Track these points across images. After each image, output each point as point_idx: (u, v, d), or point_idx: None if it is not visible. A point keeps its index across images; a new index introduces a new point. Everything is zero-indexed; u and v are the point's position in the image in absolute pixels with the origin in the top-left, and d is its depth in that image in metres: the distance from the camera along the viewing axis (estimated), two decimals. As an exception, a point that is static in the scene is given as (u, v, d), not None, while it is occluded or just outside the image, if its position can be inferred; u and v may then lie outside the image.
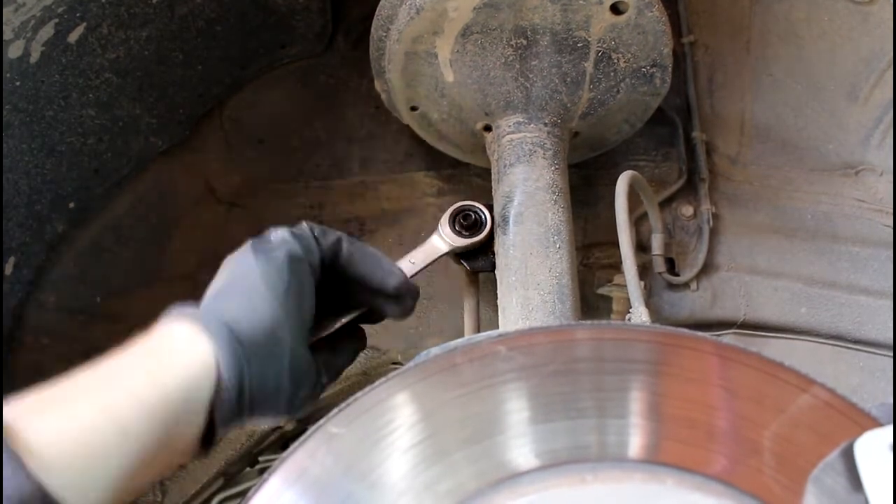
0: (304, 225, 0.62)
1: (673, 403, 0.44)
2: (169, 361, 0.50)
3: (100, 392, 0.47)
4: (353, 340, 0.65)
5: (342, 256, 0.62)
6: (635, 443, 0.43)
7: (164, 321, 0.54)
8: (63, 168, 0.87)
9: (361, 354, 1.06)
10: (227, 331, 0.53)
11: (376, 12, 0.89)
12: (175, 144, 1.00)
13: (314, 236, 0.61)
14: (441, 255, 0.83)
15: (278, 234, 0.61)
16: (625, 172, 0.84)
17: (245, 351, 0.53)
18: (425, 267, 0.80)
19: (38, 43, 0.77)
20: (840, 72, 1.03)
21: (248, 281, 0.57)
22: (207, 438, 0.50)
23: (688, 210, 1.08)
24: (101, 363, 0.49)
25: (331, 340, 0.63)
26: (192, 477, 1.06)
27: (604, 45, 0.86)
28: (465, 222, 0.84)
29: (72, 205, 0.91)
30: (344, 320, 0.63)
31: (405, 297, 0.63)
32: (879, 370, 1.02)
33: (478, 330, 0.92)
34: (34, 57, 0.78)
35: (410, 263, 0.78)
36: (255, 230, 1.14)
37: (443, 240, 0.83)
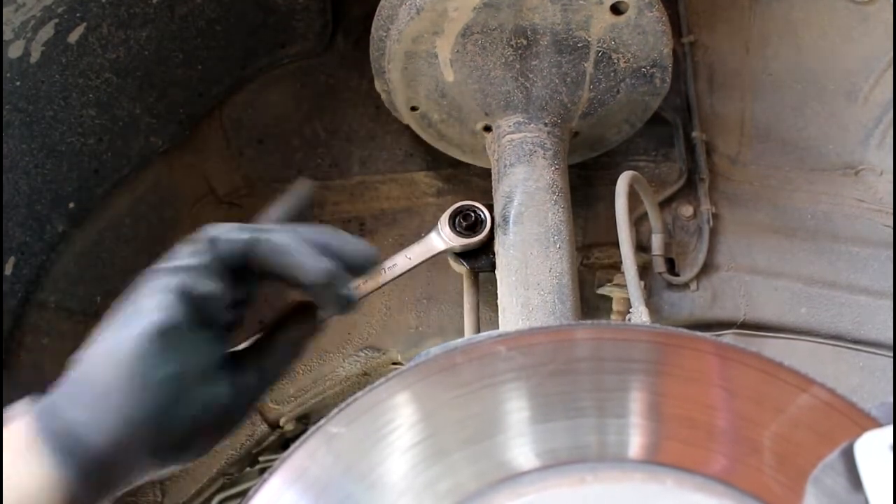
0: (203, 236, 0.54)
1: (673, 403, 0.44)
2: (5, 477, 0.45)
3: None
4: (291, 336, 0.57)
5: (254, 258, 0.53)
6: (635, 443, 0.43)
7: (8, 415, 0.48)
8: (63, 168, 0.87)
9: (362, 354, 1.07)
10: (72, 442, 0.47)
11: (376, 12, 0.89)
12: (175, 144, 1.00)
13: (210, 248, 0.53)
14: (438, 253, 0.83)
15: (151, 286, 0.53)
16: (625, 172, 0.84)
17: (97, 466, 0.47)
18: (421, 263, 0.80)
19: (38, 43, 0.77)
20: (840, 72, 1.03)
21: (108, 371, 0.50)
22: None
23: (688, 210, 1.08)
24: None
25: (261, 343, 0.56)
26: (192, 477, 1.06)
27: (604, 45, 0.86)
28: (465, 222, 0.85)
29: (72, 205, 0.91)
30: (256, 337, 0.57)
31: (329, 289, 0.53)
32: (879, 370, 1.02)
33: (478, 330, 0.92)
34: (34, 57, 0.78)
35: (407, 259, 0.78)
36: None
37: (442, 238, 0.84)
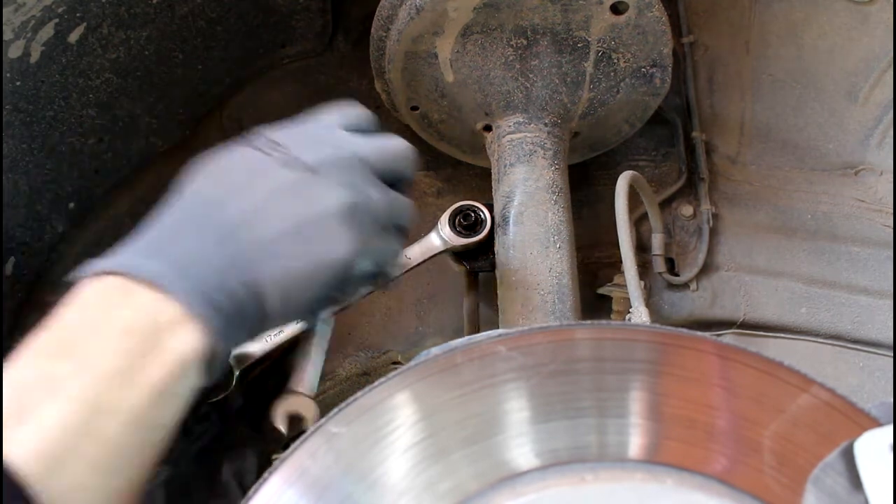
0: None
1: (673, 403, 0.44)
2: (157, 357, 0.45)
3: (78, 394, 0.42)
4: None
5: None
6: (635, 442, 0.43)
7: (154, 287, 0.46)
8: (63, 168, 0.87)
9: (361, 354, 1.07)
10: (239, 310, 0.48)
11: (376, 12, 0.89)
12: (175, 144, 1.00)
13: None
14: (438, 253, 0.83)
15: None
16: (625, 172, 0.84)
17: (262, 324, 0.50)
18: (421, 263, 0.80)
19: (38, 43, 0.77)
20: (840, 72, 1.03)
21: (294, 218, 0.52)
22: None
23: (688, 210, 1.08)
24: (72, 346, 0.44)
25: None
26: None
27: (604, 45, 0.86)
28: (465, 222, 0.85)
29: (72, 205, 0.91)
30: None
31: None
32: (879, 370, 1.02)
33: (478, 330, 0.93)
34: (34, 57, 0.78)
35: (406, 258, 0.79)
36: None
37: (441, 238, 0.84)
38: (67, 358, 0.43)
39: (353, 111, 0.64)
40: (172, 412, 0.45)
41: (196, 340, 0.46)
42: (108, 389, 0.43)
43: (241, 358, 0.76)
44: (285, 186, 0.54)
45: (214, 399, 0.75)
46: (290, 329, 0.76)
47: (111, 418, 0.42)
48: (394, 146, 0.62)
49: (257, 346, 0.77)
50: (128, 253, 0.49)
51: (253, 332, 0.52)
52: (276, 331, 0.76)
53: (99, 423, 0.42)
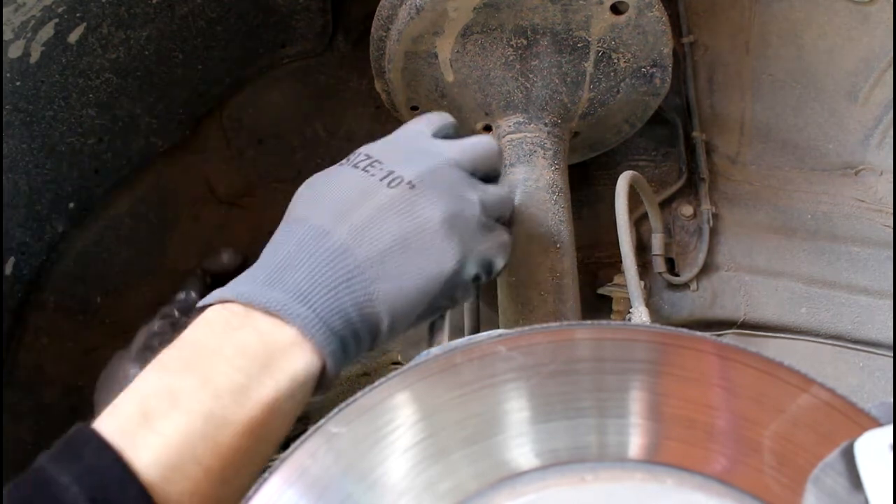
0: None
1: (673, 403, 0.44)
2: (271, 375, 0.49)
3: (198, 406, 0.46)
4: None
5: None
6: (635, 442, 0.43)
7: (270, 314, 0.50)
8: (63, 168, 0.87)
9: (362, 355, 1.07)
10: (351, 332, 0.53)
11: (376, 12, 0.89)
12: (175, 144, 1.00)
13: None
14: None
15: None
16: (625, 172, 0.84)
17: (372, 343, 0.54)
18: None
19: (38, 43, 0.77)
20: (840, 72, 1.03)
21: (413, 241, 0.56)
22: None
23: (688, 210, 1.08)
24: (193, 363, 0.48)
25: None
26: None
27: (604, 46, 0.86)
28: (465, 222, 0.85)
29: (72, 205, 0.91)
30: None
31: None
32: (879, 370, 1.02)
33: (478, 330, 0.93)
34: (34, 57, 0.78)
35: None
36: (255, 230, 1.14)
37: None
38: (190, 374, 0.47)
39: (438, 118, 0.67)
40: (282, 427, 0.50)
41: (308, 361, 0.50)
42: (225, 404, 0.46)
43: None
44: (389, 204, 0.56)
45: None
46: None
47: (226, 430, 0.46)
48: (480, 143, 0.64)
49: None
50: (247, 283, 0.53)
51: (365, 349, 0.56)
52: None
53: (215, 434, 0.45)
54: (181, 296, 0.82)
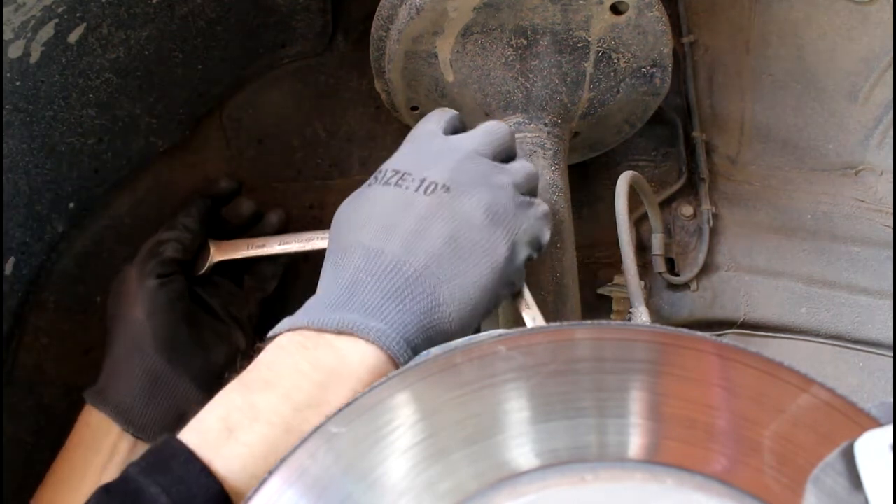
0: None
1: (673, 403, 0.44)
2: (351, 387, 0.51)
3: (279, 419, 0.48)
4: None
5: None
6: (635, 442, 0.43)
7: (343, 334, 0.52)
8: (63, 168, 0.87)
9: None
10: (415, 345, 0.54)
11: (376, 12, 0.89)
12: (175, 144, 1.00)
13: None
14: None
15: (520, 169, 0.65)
16: (625, 172, 0.84)
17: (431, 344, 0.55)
18: None
19: (38, 43, 0.77)
20: (840, 72, 1.03)
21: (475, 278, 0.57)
22: None
23: (688, 210, 1.08)
24: (272, 381, 0.50)
25: None
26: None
27: (604, 45, 0.86)
28: (465, 222, 0.85)
29: (72, 205, 0.91)
30: None
31: None
32: (879, 370, 1.02)
33: (478, 330, 0.92)
34: (34, 57, 0.78)
35: None
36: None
37: None
38: (269, 390, 0.50)
39: (442, 115, 0.70)
40: None
41: (386, 372, 0.52)
42: (305, 417, 0.49)
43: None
44: (430, 211, 0.58)
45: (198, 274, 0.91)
46: (273, 247, 0.92)
47: (299, 438, 0.47)
48: (492, 128, 0.66)
49: (241, 253, 0.92)
50: (315, 310, 0.55)
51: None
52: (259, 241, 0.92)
53: (289, 442, 0.47)
54: (183, 216, 0.89)
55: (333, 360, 0.51)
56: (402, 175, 0.61)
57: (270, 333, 0.55)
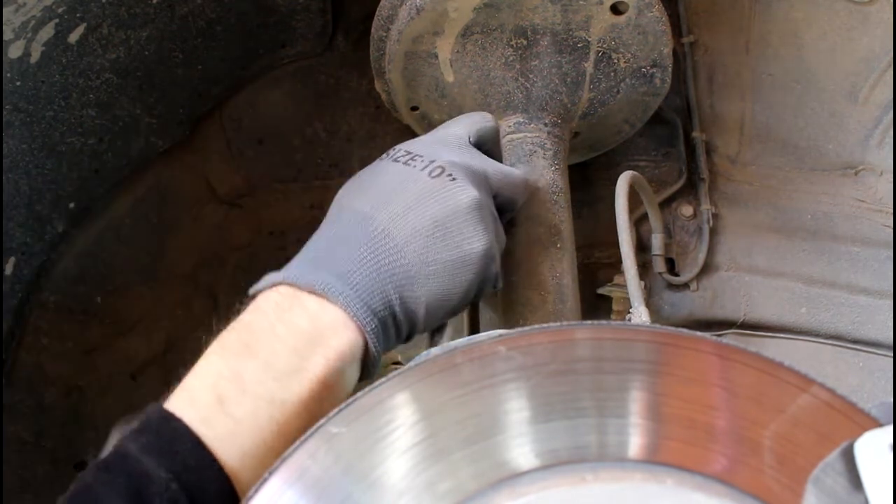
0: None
1: (673, 403, 0.44)
2: (322, 354, 0.52)
3: (263, 390, 0.49)
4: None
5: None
6: (635, 442, 0.43)
7: (315, 294, 0.54)
8: (63, 168, 0.87)
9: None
10: (389, 316, 0.56)
11: (376, 12, 0.89)
12: (175, 144, 1.00)
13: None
14: None
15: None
16: (625, 172, 0.84)
17: (410, 330, 0.57)
18: None
19: (38, 43, 0.77)
20: (840, 72, 1.03)
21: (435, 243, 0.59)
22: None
23: (688, 210, 1.08)
24: (252, 345, 0.51)
25: None
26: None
27: (604, 46, 0.86)
28: (466, 222, 0.84)
29: (72, 205, 0.91)
30: None
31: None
32: (879, 370, 1.02)
33: (478, 330, 0.93)
34: (34, 57, 0.78)
35: None
36: (255, 230, 1.14)
37: None
38: (251, 357, 0.50)
39: (481, 119, 0.73)
40: (334, 404, 0.51)
41: (352, 339, 0.53)
42: (284, 385, 0.50)
43: None
44: (429, 192, 0.60)
45: None
46: None
47: (287, 410, 0.49)
48: (517, 180, 0.71)
49: None
50: (295, 267, 0.57)
51: (405, 336, 0.59)
52: None
53: (279, 416, 0.49)
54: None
55: (307, 325, 0.52)
56: (413, 156, 0.64)
57: (252, 289, 0.56)
